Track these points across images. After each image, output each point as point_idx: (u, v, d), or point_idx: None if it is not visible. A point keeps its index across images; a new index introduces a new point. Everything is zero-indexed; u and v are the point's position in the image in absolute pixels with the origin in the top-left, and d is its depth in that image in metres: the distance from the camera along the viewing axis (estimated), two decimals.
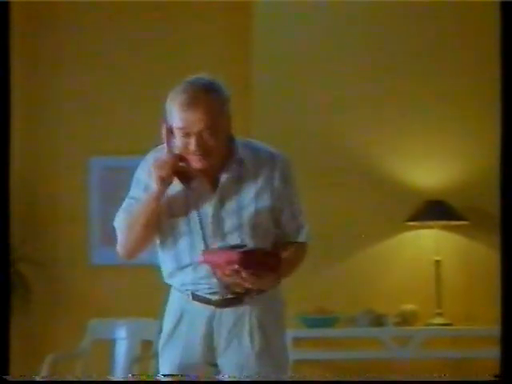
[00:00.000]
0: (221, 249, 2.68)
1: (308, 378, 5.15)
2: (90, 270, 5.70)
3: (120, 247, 2.84)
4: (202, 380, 2.86)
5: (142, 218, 2.76)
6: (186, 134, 2.67)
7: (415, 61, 5.44)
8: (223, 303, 2.77)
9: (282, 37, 5.46)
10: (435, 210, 5.17)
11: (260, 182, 2.77)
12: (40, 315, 5.62)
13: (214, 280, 2.74)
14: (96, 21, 5.86)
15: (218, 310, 2.77)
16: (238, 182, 2.76)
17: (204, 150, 2.67)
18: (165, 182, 2.71)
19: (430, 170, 5.36)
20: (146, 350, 5.19)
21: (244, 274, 2.59)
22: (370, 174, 5.36)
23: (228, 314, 2.78)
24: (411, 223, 5.24)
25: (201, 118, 2.65)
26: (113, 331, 5.33)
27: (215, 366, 2.83)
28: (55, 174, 5.75)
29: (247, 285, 2.64)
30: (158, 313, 4.85)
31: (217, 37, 5.76)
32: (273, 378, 2.85)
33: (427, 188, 5.32)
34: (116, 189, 5.57)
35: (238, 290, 2.75)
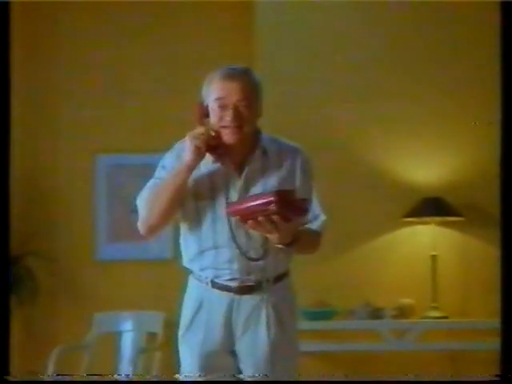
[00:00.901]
0: (249, 198, 2.73)
1: (307, 370, 5.16)
2: (96, 265, 5.71)
3: (141, 223, 2.86)
4: (203, 380, 2.88)
5: (170, 190, 2.79)
6: (224, 106, 2.77)
7: (415, 58, 5.43)
8: (242, 290, 2.83)
9: (284, 36, 5.46)
10: (432, 206, 5.16)
11: (283, 172, 2.86)
12: (47, 308, 5.63)
13: (235, 265, 2.81)
14: (101, 17, 5.84)
15: (237, 297, 2.83)
16: (263, 170, 2.85)
17: (239, 121, 2.77)
18: (199, 153, 2.75)
19: (427, 168, 5.35)
20: (151, 342, 5.21)
21: (276, 218, 2.62)
22: (369, 171, 5.36)
23: (246, 301, 2.84)
24: (408, 219, 5.24)
25: (239, 89, 2.77)
26: (118, 324, 5.35)
27: (233, 353, 2.88)
28: (63, 172, 5.75)
29: (275, 231, 2.66)
30: (162, 305, 4.90)
31: (219, 35, 5.77)
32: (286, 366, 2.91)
33: (424, 185, 5.31)
34: (122, 186, 5.61)
35: (257, 256, 2.80)
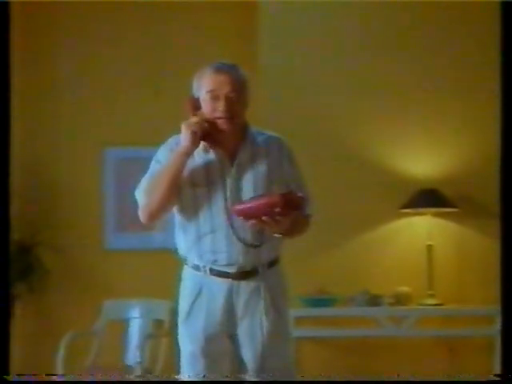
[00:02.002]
0: (252, 199, 2.80)
1: (309, 355, 5.19)
2: (105, 255, 5.73)
3: (142, 211, 2.93)
4: (203, 380, 2.94)
5: (168, 176, 2.85)
6: (215, 97, 2.86)
7: (414, 52, 5.42)
8: (240, 276, 2.89)
9: (289, 33, 5.47)
10: (428, 198, 5.17)
11: (270, 160, 2.95)
12: (58, 296, 5.64)
13: (232, 248, 2.86)
14: (109, 10, 5.82)
15: (236, 283, 2.89)
16: (252, 159, 2.93)
17: (230, 112, 2.86)
18: (195, 138, 2.83)
19: (423, 161, 5.35)
20: (158, 329, 5.22)
21: (279, 217, 2.71)
22: (368, 164, 5.36)
23: (244, 286, 2.90)
24: (405, 210, 5.24)
25: (230, 81, 2.87)
26: (126, 311, 5.34)
27: (232, 337, 2.93)
28: (73, 165, 5.76)
29: (277, 227, 2.75)
30: (168, 294, 4.92)
31: (224, 31, 5.77)
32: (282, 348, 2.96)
33: (420, 177, 5.32)
34: (129, 178, 5.60)
35: (257, 242, 2.87)
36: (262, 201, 2.74)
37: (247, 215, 2.75)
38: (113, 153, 5.76)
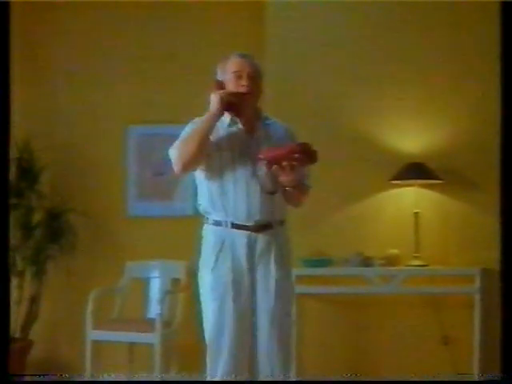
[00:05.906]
0: (275, 148, 3.05)
1: (308, 310, 5.25)
2: (128, 221, 5.74)
3: (175, 163, 3.12)
4: (206, 380, 3.12)
5: (199, 133, 3.07)
6: (239, 77, 3.15)
7: (407, 34, 5.35)
8: (257, 229, 3.12)
9: (294, 25, 5.44)
10: (415, 171, 5.14)
11: (279, 141, 3.19)
12: (86, 257, 5.66)
13: (252, 199, 3.09)
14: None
15: (253, 234, 3.12)
16: (266, 137, 3.19)
17: (252, 87, 3.14)
18: (222, 103, 3.07)
19: (411, 137, 5.31)
20: (175, 287, 5.28)
21: (295, 165, 2.97)
22: (361, 140, 5.32)
23: (261, 237, 3.13)
24: (395, 182, 5.23)
25: (250, 64, 3.19)
26: (147, 271, 5.41)
27: (251, 281, 3.13)
28: (100, 141, 5.76)
29: (293, 175, 2.99)
30: (184, 255, 4.98)
31: (237, 24, 5.72)
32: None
33: (409, 152, 5.29)
34: (150, 153, 5.67)
35: (272, 189, 3.10)
36: (284, 148, 3.01)
37: (271, 161, 2.99)
38: (135, 130, 5.77)
